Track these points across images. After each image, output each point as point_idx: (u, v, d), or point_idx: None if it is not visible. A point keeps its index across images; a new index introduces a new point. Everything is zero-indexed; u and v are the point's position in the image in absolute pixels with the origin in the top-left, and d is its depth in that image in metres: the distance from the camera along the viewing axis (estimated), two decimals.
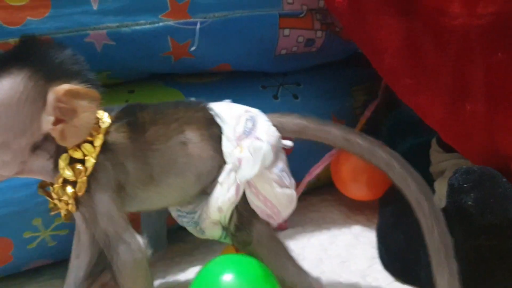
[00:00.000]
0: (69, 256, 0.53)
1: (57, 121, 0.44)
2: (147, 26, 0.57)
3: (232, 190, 0.48)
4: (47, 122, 0.44)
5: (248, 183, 0.49)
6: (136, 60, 0.60)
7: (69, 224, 0.51)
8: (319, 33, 0.67)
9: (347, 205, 0.75)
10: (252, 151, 0.48)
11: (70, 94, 0.43)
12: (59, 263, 0.58)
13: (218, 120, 0.50)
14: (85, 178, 0.45)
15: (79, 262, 0.53)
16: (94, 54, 0.57)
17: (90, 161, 0.45)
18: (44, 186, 0.49)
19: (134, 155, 0.47)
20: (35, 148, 0.45)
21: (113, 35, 0.56)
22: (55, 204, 0.48)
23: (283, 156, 0.52)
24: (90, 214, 0.46)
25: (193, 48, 0.59)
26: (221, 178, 0.49)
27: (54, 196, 0.46)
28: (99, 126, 0.46)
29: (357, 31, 0.60)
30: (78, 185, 0.45)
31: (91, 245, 0.53)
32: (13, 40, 0.52)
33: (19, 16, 0.53)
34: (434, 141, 0.67)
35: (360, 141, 0.50)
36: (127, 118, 0.48)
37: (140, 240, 0.47)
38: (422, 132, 0.70)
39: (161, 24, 0.57)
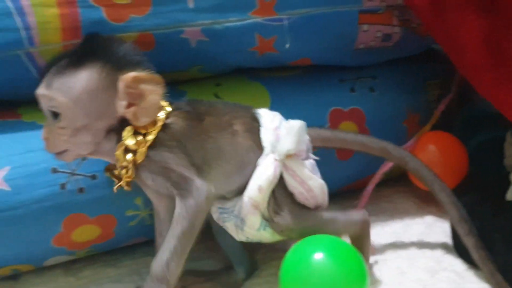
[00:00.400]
0: None
1: (129, 105, 0.50)
2: (237, 23, 0.61)
3: (271, 169, 0.54)
4: (120, 106, 0.50)
5: (285, 166, 0.54)
6: (225, 55, 0.64)
7: None
8: (396, 29, 0.70)
9: (420, 196, 0.77)
10: (288, 127, 0.54)
11: (136, 80, 0.50)
12: (152, 241, 0.63)
13: (257, 115, 0.57)
14: (145, 148, 0.51)
15: (163, 240, 0.57)
16: (189, 49, 0.61)
17: (152, 134, 0.52)
18: (110, 170, 0.55)
19: (192, 138, 0.53)
20: (109, 131, 0.51)
21: (206, 31, 0.60)
22: (119, 183, 0.53)
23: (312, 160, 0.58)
24: (156, 172, 0.51)
25: (287, 46, 0.63)
26: (259, 161, 0.55)
27: (120, 164, 0.51)
28: (162, 110, 0.53)
29: (436, 27, 0.62)
30: (138, 154, 0.51)
31: (171, 221, 0.56)
32: (118, 36, 0.58)
33: (123, 13, 0.58)
34: (509, 134, 0.69)
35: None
36: (186, 108, 0.55)
37: (212, 188, 0.52)
38: (496, 126, 0.71)
39: (249, 21, 0.61)
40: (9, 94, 0.61)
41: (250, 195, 0.54)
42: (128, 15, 0.58)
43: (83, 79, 0.49)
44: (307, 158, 0.57)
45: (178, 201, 0.52)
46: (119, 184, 0.53)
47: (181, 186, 0.51)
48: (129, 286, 0.61)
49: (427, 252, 0.64)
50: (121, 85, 0.50)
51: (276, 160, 0.54)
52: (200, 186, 0.51)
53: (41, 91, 0.50)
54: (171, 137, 0.52)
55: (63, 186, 0.57)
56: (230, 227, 0.57)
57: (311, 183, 0.56)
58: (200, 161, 0.53)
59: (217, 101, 0.58)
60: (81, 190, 0.58)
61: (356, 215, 0.59)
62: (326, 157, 0.68)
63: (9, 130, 0.59)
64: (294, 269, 0.51)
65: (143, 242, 0.66)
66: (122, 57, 0.51)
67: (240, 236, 0.57)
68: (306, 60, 0.69)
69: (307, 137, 0.56)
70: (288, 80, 0.71)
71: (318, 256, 0.50)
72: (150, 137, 0.51)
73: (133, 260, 0.67)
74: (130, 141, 0.51)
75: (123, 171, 0.52)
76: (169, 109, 0.54)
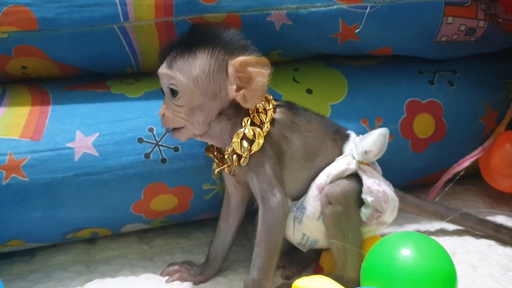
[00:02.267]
0: None
1: (238, 88, 0.53)
2: (322, 8, 0.62)
3: (345, 162, 0.56)
4: (231, 90, 0.53)
5: (363, 169, 0.56)
6: (307, 40, 0.65)
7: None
8: (481, 23, 0.68)
9: (491, 195, 0.76)
10: (370, 132, 0.57)
11: (244, 64, 0.52)
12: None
13: (347, 131, 0.60)
14: (262, 138, 0.54)
15: (228, 226, 0.61)
16: (273, 32, 0.63)
17: (266, 126, 0.54)
18: (210, 151, 0.57)
19: (297, 132, 0.56)
20: (220, 113, 0.54)
21: (291, 15, 0.62)
22: (217, 164, 0.57)
23: None
24: (258, 167, 0.54)
25: (357, 30, 0.63)
26: (337, 158, 0.57)
27: (228, 151, 0.54)
28: (269, 103, 0.56)
29: None
30: (255, 143, 0.54)
31: (240, 210, 0.61)
32: (207, 16, 0.60)
33: None
34: None
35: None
36: (289, 105, 0.58)
37: (289, 202, 0.55)
38: None
39: (335, 7, 0.62)
40: (100, 66, 0.65)
41: (319, 180, 0.56)
42: None
43: (199, 61, 0.53)
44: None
45: (260, 209, 0.54)
46: (222, 167, 0.56)
47: (266, 195, 0.53)
48: (199, 258, 0.63)
49: (499, 249, 0.63)
50: (230, 69, 0.52)
51: (352, 157, 0.56)
52: (283, 197, 0.54)
53: (163, 70, 0.54)
54: (278, 131, 0.55)
55: (147, 155, 0.60)
56: (288, 224, 0.57)
57: (386, 189, 0.56)
58: (300, 155, 0.56)
59: (310, 110, 0.60)
60: (163, 160, 0.60)
61: None
62: (401, 149, 0.69)
63: (99, 100, 0.62)
64: (378, 264, 0.49)
65: (213, 218, 0.68)
66: (229, 42, 0.54)
67: (296, 234, 0.58)
68: (387, 49, 0.69)
69: (384, 151, 0.57)
70: (366, 69, 0.71)
71: (405, 252, 0.47)
72: (265, 129, 0.54)
73: (204, 233, 0.70)
74: (248, 131, 0.54)
75: (235, 157, 0.54)
76: (274, 102, 0.57)
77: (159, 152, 0.60)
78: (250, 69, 0.52)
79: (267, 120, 0.55)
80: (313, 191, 0.56)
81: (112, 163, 0.59)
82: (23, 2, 0.57)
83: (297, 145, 0.56)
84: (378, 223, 0.57)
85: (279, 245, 0.55)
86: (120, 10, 0.59)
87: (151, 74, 0.66)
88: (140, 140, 0.60)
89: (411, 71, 0.72)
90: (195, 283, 0.60)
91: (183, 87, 0.53)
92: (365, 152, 0.56)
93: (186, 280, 0.60)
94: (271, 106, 0.56)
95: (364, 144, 0.56)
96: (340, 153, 0.58)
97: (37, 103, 0.61)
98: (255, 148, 0.54)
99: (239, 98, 0.53)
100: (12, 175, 0.57)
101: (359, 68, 0.71)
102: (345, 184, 0.55)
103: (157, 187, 0.61)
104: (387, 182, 0.58)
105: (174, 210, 0.64)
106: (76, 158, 0.58)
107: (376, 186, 0.55)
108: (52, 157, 0.58)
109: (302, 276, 0.52)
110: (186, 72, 0.53)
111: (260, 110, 0.55)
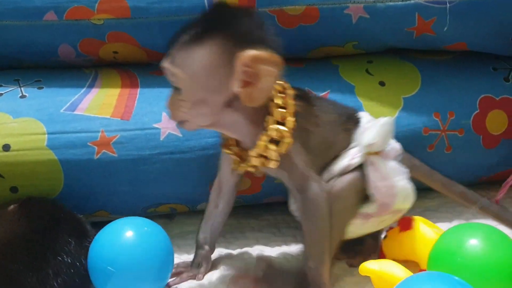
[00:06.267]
0: None
1: (244, 84, 0.49)
2: (400, 2, 0.63)
3: (347, 158, 0.56)
4: (234, 84, 0.49)
5: (371, 161, 0.55)
6: (382, 33, 0.67)
7: None
8: None
9: None
10: (374, 123, 0.56)
11: (253, 59, 0.48)
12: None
13: (357, 114, 0.59)
14: (290, 139, 0.52)
15: (217, 211, 0.62)
16: (349, 25, 0.65)
17: (290, 122, 0.52)
18: (228, 147, 0.56)
19: (315, 124, 0.55)
20: (229, 105, 0.51)
21: (369, 9, 0.64)
22: (238, 163, 0.56)
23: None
24: (288, 164, 0.53)
25: (445, 29, 0.64)
26: (342, 153, 0.56)
27: (253, 153, 0.53)
28: (286, 94, 0.53)
29: None
30: (282, 144, 0.52)
31: (232, 196, 0.62)
32: (286, 8, 0.63)
33: None
34: None
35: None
36: (303, 94, 0.56)
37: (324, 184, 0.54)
38: None
39: (412, 1, 0.63)
40: None
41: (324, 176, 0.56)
42: None
43: (201, 55, 0.50)
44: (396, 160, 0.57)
45: (299, 200, 0.54)
46: (247, 167, 0.55)
47: (301, 188, 0.53)
48: (269, 236, 0.67)
49: None
50: (237, 63, 0.48)
51: (357, 151, 0.56)
52: (321, 181, 0.54)
53: (165, 64, 0.51)
54: (300, 124, 0.53)
55: None
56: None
57: (394, 180, 0.56)
58: (318, 146, 0.55)
59: (321, 97, 0.59)
60: None
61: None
62: (472, 144, 0.69)
63: None
64: (446, 252, 0.50)
65: (280, 202, 0.70)
66: (245, 33, 0.49)
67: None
68: (462, 44, 0.69)
69: (391, 138, 0.57)
70: (440, 64, 0.72)
71: (473, 242, 0.48)
72: (290, 125, 0.52)
73: (272, 215, 0.73)
74: (273, 132, 0.52)
75: (261, 159, 0.53)
76: (291, 91, 0.54)
77: None
78: (259, 66, 0.48)
79: (290, 115, 0.52)
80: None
81: (193, 143, 0.63)
82: None
83: (316, 137, 0.55)
84: (391, 213, 0.57)
85: (326, 228, 0.54)
86: (206, 1, 0.63)
87: None
88: None
89: (486, 68, 0.72)
90: (199, 279, 0.60)
91: (183, 83, 0.51)
92: (369, 145, 0.55)
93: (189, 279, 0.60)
94: (290, 98, 0.53)
95: (368, 136, 0.55)
96: (351, 140, 0.57)
97: (127, 86, 0.66)
98: (282, 149, 0.52)
99: (242, 95, 0.49)
100: (103, 150, 0.62)
101: (432, 62, 0.72)
102: (348, 179, 0.55)
103: None
104: (402, 168, 0.57)
105: (247, 191, 0.68)
106: (162, 138, 0.63)
107: (380, 181, 0.55)
108: (140, 135, 0.62)
109: None
110: (187, 67, 0.50)
111: (280, 104, 0.52)
